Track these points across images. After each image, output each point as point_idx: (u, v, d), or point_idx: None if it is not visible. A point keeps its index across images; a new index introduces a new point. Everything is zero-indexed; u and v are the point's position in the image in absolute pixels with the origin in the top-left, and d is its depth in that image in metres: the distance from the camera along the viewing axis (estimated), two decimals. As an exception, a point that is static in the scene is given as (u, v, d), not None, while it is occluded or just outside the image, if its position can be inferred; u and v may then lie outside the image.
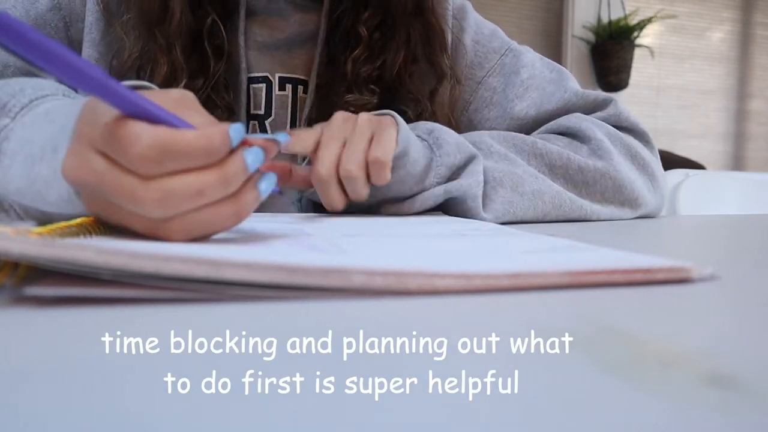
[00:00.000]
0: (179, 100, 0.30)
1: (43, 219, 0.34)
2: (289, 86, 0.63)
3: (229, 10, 0.60)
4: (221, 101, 0.58)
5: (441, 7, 0.66)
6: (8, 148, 0.35)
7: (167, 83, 0.54)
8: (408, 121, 0.55)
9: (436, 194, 0.51)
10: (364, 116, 0.48)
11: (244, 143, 0.28)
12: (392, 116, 0.49)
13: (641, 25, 3.23)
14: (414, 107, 0.63)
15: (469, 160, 0.52)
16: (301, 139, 0.46)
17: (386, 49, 0.61)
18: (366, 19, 0.61)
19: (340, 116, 0.48)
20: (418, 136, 0.52)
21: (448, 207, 0.53)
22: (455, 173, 0.52)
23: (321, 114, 0.61)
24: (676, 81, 3.57)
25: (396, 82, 0.62)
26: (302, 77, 0.64)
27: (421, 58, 0.64)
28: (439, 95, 0.65)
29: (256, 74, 0.62)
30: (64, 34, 0.58)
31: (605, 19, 3.28)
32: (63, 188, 0.31)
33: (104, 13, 0.57)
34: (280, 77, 0.63)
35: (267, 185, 0.29)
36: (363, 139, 0.46)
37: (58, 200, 0.32)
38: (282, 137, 0.31)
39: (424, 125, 0.54)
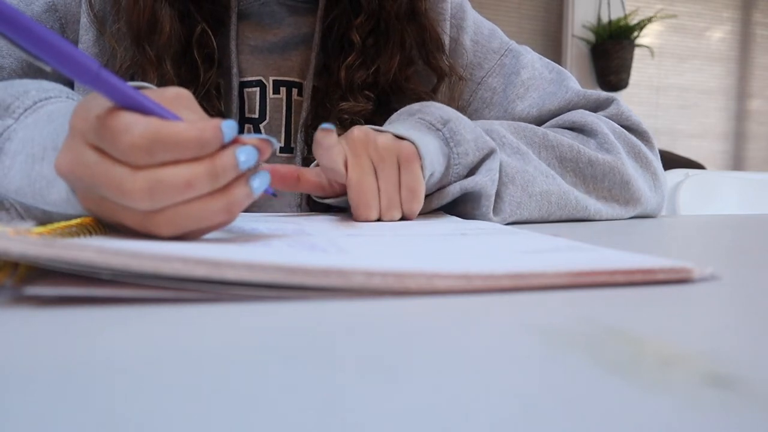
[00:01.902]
0: (174, 98, 0.30)
1: (44, 219, 0.34)
2: (283, 89, 0.63)
3: (220, 16, 0.59)
4: (213, 109, 0.57)
5: (434, 11, 0.66)
6: (10, 149, 0.35)
7: None
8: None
9: (452, 192, 0.50)
10: (384, 143, 0.45)
11: (236, 142, 0.28)
12: (413, 143, 0.46)
13: (641, 25, 3.23)
14: None
15: (486, 156, 0.51)
16: (331, 159, 0.43)
17: (380, 55, 0.60)
18: (359, 25, 0.60)
19: (359, 133, 0.46)
20: (432, 125, 0.50)
21: (458, 205, 0.52)
22: (471, 170, 0.51)
23: (317, 120, 0.61)
24: (676, 81, 3.57)
25: (392, 87, 0.62)
26: (297, 80, 0.64)
27: (418, 60, 0.64)
28: (440, 93, 0.65)
29: (250, 78, 0.62)
30: (61, 35, 0.58)
31: (605, 19, 3.28)
32: (63, 187, 0.31)
33: (95, 22, 0.57)
34: (274, 80, 0.63)
35: (260, 183, 0.29)
36: (394, 177, 0.45)
37: (58, 200, 0.32)
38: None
39: (439, 111, 0.51)
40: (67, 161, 0.28)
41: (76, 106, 0.29)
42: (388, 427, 0.10)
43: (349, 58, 0.60)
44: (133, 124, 0.26)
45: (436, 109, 0.52)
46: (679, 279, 0.23)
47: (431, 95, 0.63)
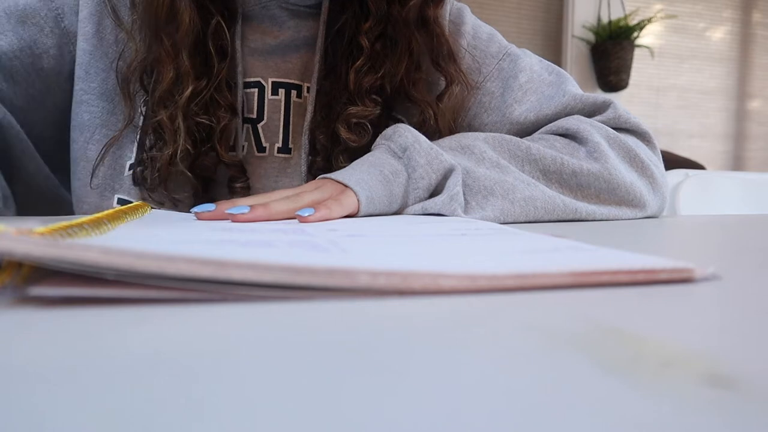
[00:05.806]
0: None
1: None
2: (282, 91, 0.63)
3: (232, 10, 0.61)
4: (224, 101, 0.58)
5: (442, 16, 0.67)
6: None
7: (173, 86, 0.55)
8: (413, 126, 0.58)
9: (415, 210, 0.54)
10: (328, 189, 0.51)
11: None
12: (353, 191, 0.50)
13: (641, 25, 3.23)
14: (418, 115, 0.64)
15: (447, 174, 0.54)
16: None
17: (388, 60, 0.62)
18: (367, 29, 0.61)
19: (310, 183, 0.53)
20: (394, 153, 0.55)
21: None
22: (435, 189, 0.54)
23: (323, 123, 0.62)
24: (676, 81, 3.57)
25: (399, 92, 0.63)
26: (296, 82, 0.64)
27: (428, 66, 0.65)
28: (444, 102, 0.66)
29: (248, 79, 0.63)
30: (55, 25, 0.59)
31: (605, 19, 3.28)
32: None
33: (113, 15, 0.58)
34: (273, 82, 0.63)
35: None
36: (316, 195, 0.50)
37: None
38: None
39: (401, 138, 0.55)
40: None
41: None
42: (390, 427, 0.10)
43: (358, 62, 0.61)
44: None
45: (399, 136, 0.56)
46: (681, 279, 0.23)
47: (436, 103, 0.64)
